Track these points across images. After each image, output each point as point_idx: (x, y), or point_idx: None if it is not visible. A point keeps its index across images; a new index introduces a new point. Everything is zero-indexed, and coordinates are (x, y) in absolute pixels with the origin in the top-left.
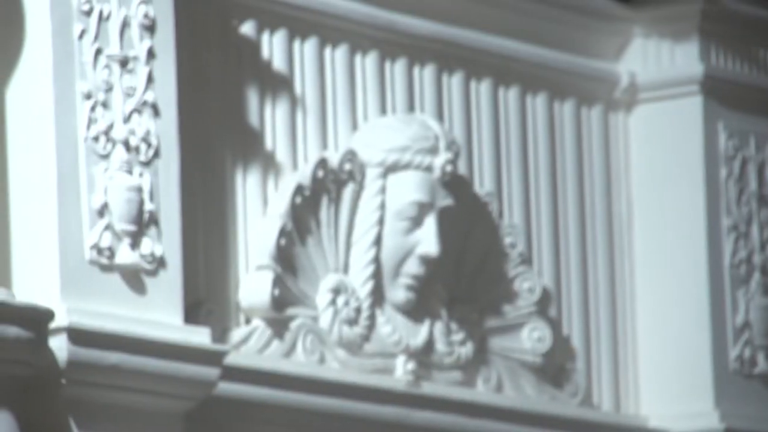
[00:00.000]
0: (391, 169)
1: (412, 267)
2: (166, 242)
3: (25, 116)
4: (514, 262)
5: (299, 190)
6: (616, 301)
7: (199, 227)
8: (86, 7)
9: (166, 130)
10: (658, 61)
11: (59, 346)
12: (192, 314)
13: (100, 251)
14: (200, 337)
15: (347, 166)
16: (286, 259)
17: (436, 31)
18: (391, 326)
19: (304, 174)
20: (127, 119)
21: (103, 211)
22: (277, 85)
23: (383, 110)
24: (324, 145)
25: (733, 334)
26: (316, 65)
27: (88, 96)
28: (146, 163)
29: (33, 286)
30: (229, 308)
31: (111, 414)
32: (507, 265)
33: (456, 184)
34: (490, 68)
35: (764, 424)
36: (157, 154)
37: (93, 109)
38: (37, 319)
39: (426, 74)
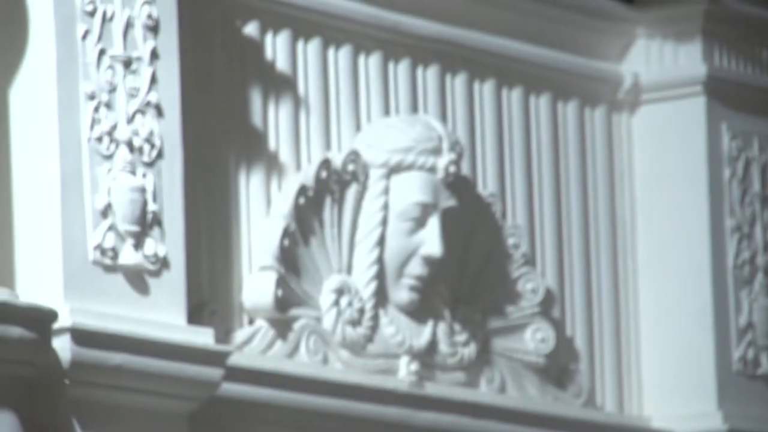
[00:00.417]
0: (394, 169)
1: (416, 268)
2: (170, 243)
3: (29, 117)
4: (517, 262)
5: (302, 190)
6: (619, 302)
7: (203, 228)
8: (90, 8)
9: (169, 130)
10: (662, 61)
11: (62, 346)
12: (195, 315)
13: (103, 252)
14: (203, 337)
15: (350, 167)
16: (290, 260)
17: (440, 32)
18: (395, 327)
19: (307, 175)
20: (130, 120)
21: (106, 211)
22: (281, 85)
23: (386, 111)
24: (327, 145)
25: (736, 334)
26: (320, 66)
27: (92, 96)
28: (149, 164)
29: (36, 286)
30: (232, 309)
31: (114, 414)
32: (510, 266)
33: (459, 184)
34: (494, 69)
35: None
36: (160, 154)
37: (96, 109)
38: (41, 319)
39: (429, 75)
